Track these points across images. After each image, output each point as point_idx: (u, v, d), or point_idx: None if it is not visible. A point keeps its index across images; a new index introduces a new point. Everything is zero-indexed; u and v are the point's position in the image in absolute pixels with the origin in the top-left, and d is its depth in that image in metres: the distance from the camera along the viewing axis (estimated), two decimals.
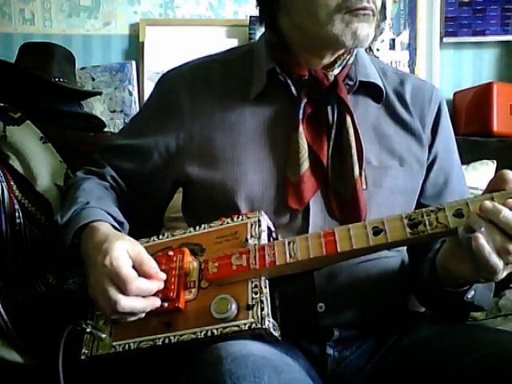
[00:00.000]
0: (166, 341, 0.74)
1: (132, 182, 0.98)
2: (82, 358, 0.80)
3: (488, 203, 0.66)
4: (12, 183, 1.08)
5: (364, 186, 0.87)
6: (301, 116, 0.87)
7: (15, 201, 1.04)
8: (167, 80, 0.99)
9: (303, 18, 0.85)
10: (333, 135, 0.88)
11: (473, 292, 0.80)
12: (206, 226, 0.83)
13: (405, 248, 0.94)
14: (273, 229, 0.81)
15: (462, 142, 1.02)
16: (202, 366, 0.67)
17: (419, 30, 2.03)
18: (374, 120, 0.93)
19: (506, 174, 0.68)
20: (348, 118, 0.87)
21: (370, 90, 0.93)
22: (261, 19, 0.94)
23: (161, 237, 0.86)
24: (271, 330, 0.70)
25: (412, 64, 2.04)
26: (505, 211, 0.65)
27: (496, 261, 0.66)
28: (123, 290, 0.72)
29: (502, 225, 0.65)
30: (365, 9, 0.81)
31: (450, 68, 2.07)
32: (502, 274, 0.69)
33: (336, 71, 0.90)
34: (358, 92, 0.92)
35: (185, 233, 0.84)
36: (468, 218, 0.67)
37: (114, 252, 0.73)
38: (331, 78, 0.88)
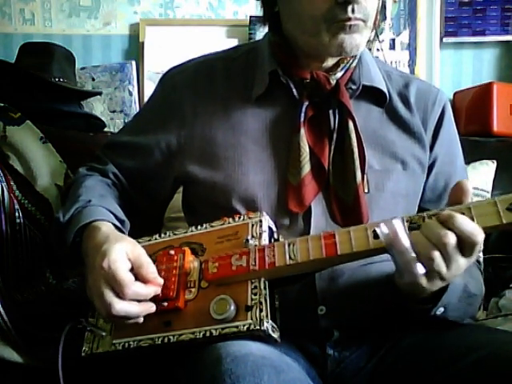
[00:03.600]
0: (165, 340, 0.74)
1: (133, 179, 0.98)
2: (83, 354, 0.81)
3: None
4: (12, 183, 1.08)
5: (366, 190, 0.86)
6: (302, 119, 0.87)
7: (15, 201, 1.04)
8: (170, 77, 0.99)
9: (294, 28, 0.86)
10: (334, 139, 0.87)
11: (442, 309, 0.78)
12: (207, 225, 0.83)
13: None
14: (274, 229, 0.81)
15: (462, 142, 1.02)
16: (201, 365, 0.67)
17: (419, 30, 2.03)
18: (376, 124, 0.92)
19: (463, 184, 0.69)
20: (350, 123, 0.86)
21: (374, 94, 0.92)
22: (263, 21, 0.94)
23: (163, 235, 0.86)
24: (269, 331, 0.70)
25: (412, 64, 2.04)
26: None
27: (410, 257, 0.66)
28: (119, 293, 0.71)
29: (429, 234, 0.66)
30: (349, 20, 0.79)
31: (450, 68, 2.07)
32: (431, 285, 0.69)
33: (338, 75, 0.89)
34: (360, 96, 0.91)
35: (186, 232, 0.84)
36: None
37: (112, 255, 0.73)
38: (333, 82, 0.88)
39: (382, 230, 0.66)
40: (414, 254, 0.66)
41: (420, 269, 0.67)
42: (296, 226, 0.86)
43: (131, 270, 0.74)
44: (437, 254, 0.66)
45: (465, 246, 0.66)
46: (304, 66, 0.89)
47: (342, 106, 0.87)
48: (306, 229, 0.85)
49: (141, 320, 0.75)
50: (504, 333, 0.86)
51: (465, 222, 0.65)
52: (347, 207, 0.85)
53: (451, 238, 0.65)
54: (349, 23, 0.80)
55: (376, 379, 0.86)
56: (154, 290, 0.75)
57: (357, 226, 0.71)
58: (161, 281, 0.76)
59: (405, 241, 0.66)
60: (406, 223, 0.69)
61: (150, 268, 0.75)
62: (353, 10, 0.79)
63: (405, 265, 0.67)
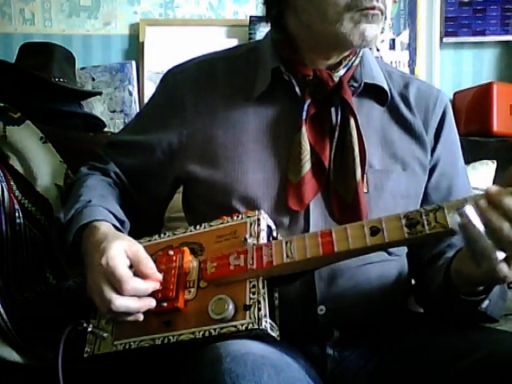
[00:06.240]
0: (165, 340, 0.74)
1: (134, 178, 0.98)
2: (85, 355, 0.81)
3: (492, 189, 0.64)
4: (12, 183, 1.08)
5: (365, 190, 0.86)
6: (304, 116, 0.86)
7: (15, 201, 1.04)
8: (172, 76, 0.98)
9: (311, 17, 0.84)
10: (336, 137, 0.87)
11: (487, 301, 0.77)
12: (206, 224, 0.83)
13: (405, 251, 0.94)
14: (273, 227, 0.81)
15: (462, 142, 1.01)
16: (201, 364, 0.67)
17: (419, 30, 2.04)
18: (377, 123, 0.92)
19: None
20: (352, 121, 0.86)
21: (375, 93, 0.92)
22: (266, 17, 0.93)
23: (162, 235, 0.86)
24: (268, 330, 0.70)
25: (412, 64, 2.04)
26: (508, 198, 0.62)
27: (487, 243, 0.63)
28: (118, 289, 0.72)
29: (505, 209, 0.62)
30: (374, 8, 0.80)
31: (450, 68, 2.07)
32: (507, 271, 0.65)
33: (341, 72, 0.89)
34: (362, 94, 0.91)
35: (186, 231, 0.84)
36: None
37: (110, 251, 0.73)
38: (336, 80, 0.88)
39: (454, 218, 0.64)
40: (489, 240, 0.63)
41: (500, 254, 0.64)
42: (296, 224, 0.86)
43: (130, 267, 0.75)
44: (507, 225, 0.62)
45: None
46: (307, 64, 0.89)
47: (345, 103, 0.87)
48: (306, 227, 0.85)
49: (141, 317, 0.75)
50: (504, 333, 0.86)
51: None
52: (346, 205, 0.85)
53: None
54: (372, 12, 0.80)
55: (376, 379, 0.86)
56: (152, 285, 0.75)
57: (353, 223, 0.71)
58: (159, 276, 0.76)
59: (479, 225, 0.63)
60: (403, 220, 0.68)
61: (148, 264, 0.75)
62: None
63: (482, 251, 0.64)
